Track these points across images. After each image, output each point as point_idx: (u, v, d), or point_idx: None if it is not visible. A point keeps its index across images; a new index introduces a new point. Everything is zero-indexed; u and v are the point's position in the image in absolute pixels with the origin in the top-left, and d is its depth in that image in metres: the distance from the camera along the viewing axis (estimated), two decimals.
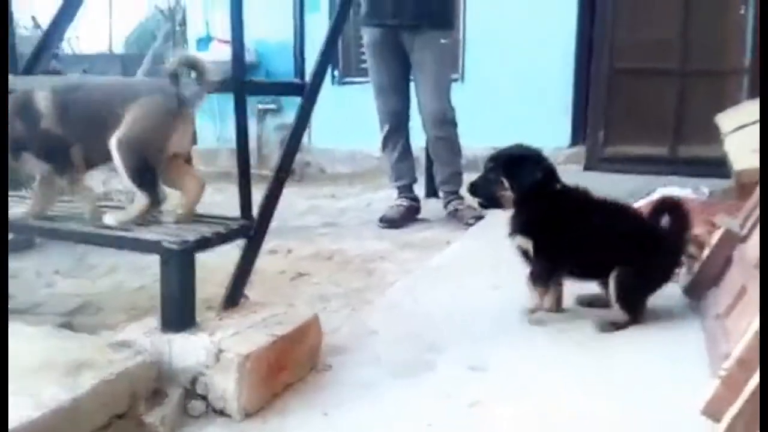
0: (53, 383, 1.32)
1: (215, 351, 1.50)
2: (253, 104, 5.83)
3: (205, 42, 6.22)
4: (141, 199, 1.73)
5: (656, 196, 2.86)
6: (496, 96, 5.20)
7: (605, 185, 3.91)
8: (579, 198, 1.93)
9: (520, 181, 1.87)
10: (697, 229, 2.15)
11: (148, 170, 1.70)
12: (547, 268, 1.92)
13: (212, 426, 1.46)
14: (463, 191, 3.53)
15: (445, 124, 3.40)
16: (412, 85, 3.47)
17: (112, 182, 3.47)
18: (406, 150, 3.58)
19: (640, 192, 3.24)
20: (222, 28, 6.07)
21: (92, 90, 1.84)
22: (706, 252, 2.01)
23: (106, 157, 1.70)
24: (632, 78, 4.22)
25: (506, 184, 1.89)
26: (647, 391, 1.51)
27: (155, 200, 1.74)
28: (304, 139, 6.17)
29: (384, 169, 4.01)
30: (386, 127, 3.54)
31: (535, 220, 1.90)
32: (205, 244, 1.64)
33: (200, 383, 1.51)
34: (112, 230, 1.69)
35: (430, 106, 3.37)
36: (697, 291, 1.99)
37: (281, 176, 1.87)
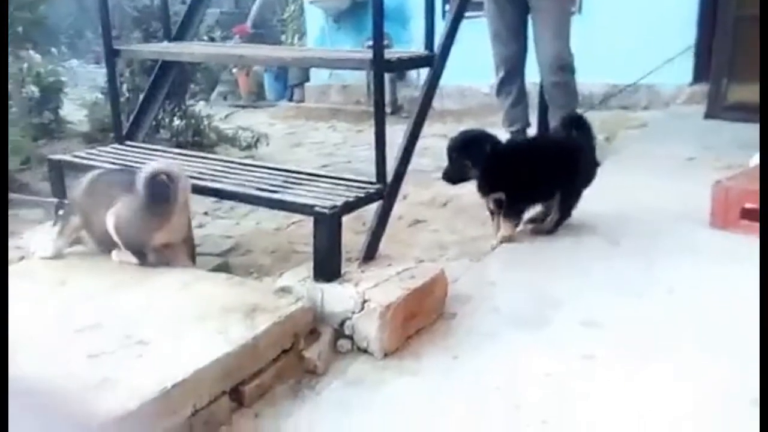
0: (237, 324, 1.62)
1: (360, 300, 1.76)
2: (362, 40, 5.97)
3: None
4: (133, 258, 1.98)
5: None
6: (615, 30, 5.05)
7: (725, 135, 3.84)
8: (521, 149, 2.69)
9: (476, 157, 2.39)
10: None
11: (139, 247, 1.96)
12: (519, 206, 2.49)
13: (358, 362, 1.74)
14: None
15: (563, 70, 3.42)
16: (529, 29, 3.50)
17: None
18: (521, 95, 3.64)
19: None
20: None
21: (102, 177, 2.09)
22: None
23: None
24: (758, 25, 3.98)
25: (468, 163, 2.40)
26: None
27: (144, 263, 1.97)
28: (413, 75, 6.33)
29: (494, 106, 4.07)
30: (501, 73, 3.60)
31: (499, 178, 2.43)
32: (349, 207, 1.89)
33: (347, 326, 1.78)
34: (272, 193, 1.97)
35: (548, 52, 3.38)
36: None
37: (410, 144, 2.06)
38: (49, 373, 1.43)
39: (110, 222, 1.96)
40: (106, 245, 2.02)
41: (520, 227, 2.57)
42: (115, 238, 1.96)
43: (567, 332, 1.82)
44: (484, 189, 2.47)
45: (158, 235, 1.98)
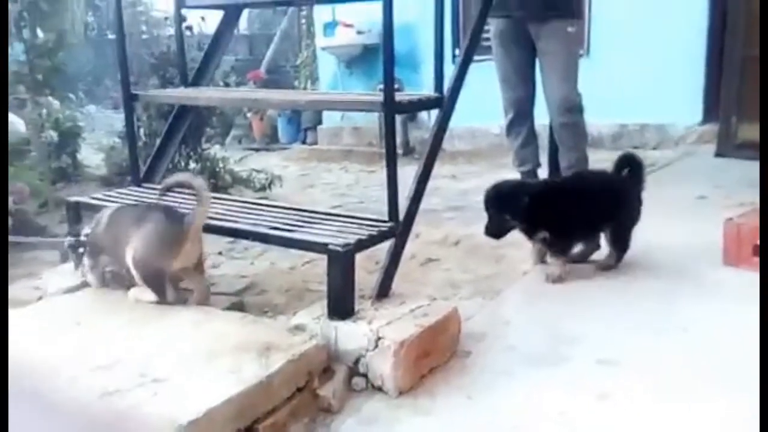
0: (251, 362, 1.63)
1: (374, 338, 1.76)
2: (374, 83, 6.09)
3: (331, 26, 6.51)
4: (153, 296, 2.01)
5: None
6: (622, 71, 5.11)
7: (736, 173, 3.84)
8: (562, 187, 2.72)
9: (515, 211, 2.42)
10: None
11: (157, 279, 2.00)
12: (565, 244, 2.51)
13: (372, 400, 1.73)
14: None
15: (571, 111, 3.45)
16: (536, 71, 3.55)
17: None
18: (530, 136, 3.66)
19: None
20: (347, 13, 6.34)
21: (122, 212, 2.17)
22: None
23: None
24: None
25: (508, 217, 2.43)
26: None
27: (162, 299, 2.00)
28: (424, 117, 6.42)
29: (505, 147, 4.11)
30: (510, 114, 3.64)
31: (542, 220, 2.45)
32: (362, 245, 1.92)
33: (362, 363, 1.78)
34: (286, 232, 2.00)
35: (556, 94, 3.43)
36: None
37: (421, 183, 2.09)
38: (63, 410, 1.44)
39: (129, 253, 1.99)
40: (124, 280, 2.05)
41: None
42: (134, 270, 1.99)
43: (582, 370, 1.81)
44: (530, 231, 2.51)
45: (176, 261, 2.00)
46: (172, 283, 2.02)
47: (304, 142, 7.35)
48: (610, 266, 2.56)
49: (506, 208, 2.43)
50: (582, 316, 2.13)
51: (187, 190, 2.12)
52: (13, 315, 2.01)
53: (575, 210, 2.46)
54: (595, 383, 1.73)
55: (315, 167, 6.03)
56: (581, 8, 3.70)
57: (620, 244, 2.56)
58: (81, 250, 2.16)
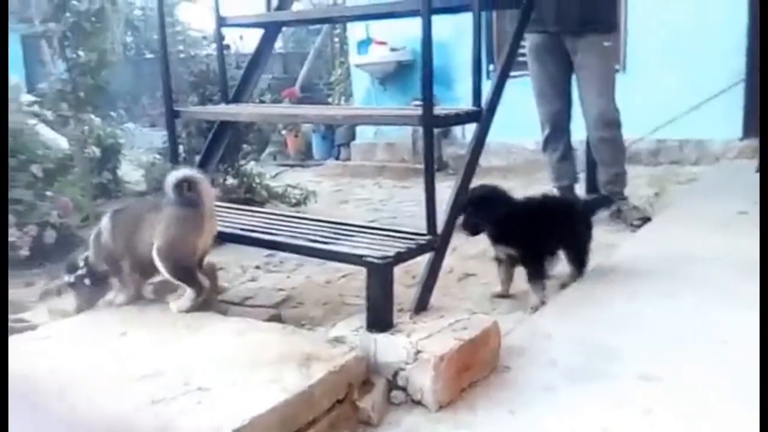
0: (292, 372, 1.64)
1: (414, 351, 1.76)
2: (408, 99, 6.13)
3: (365, 44, 6.60)
4: (189, 292, 2.05)
5: None
6: (659, 86, 5.07)
7: None
8: (531, 207, 2.65)
9: (489, 218, 2.47)
10: None
11: (186, 268, 2.04)
12: (540, 266, 2.53)
13: (412, 414, 1.72)
14: (627, 191, 3.58)
15: (609, 125, 3.44)
16: (573, 85, 3.55)
17: None
18: (568, 151, 3.66)
19: None
20: (381, 31, 6.42)
21: (123, 212, 2.19)
22: None
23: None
24: None
25: (481, 221, 2.47)
26: None
27: (199, 289, 2.05)
28: (458, 133, 6.43)
29: (540, 163, 4.09)
30: (547, 129, 3.64)
31: (513, 235, 2.51)
32: (401, 258, 1.92)
33: (401, 377, 1.78)
34: (325, 244, 2.02)
35: (594, 108, 3.42)
36: None
37: (459, 196, 2.09)
38: (110, 418, 1.47)
39: (154, 247, 2.03)
40: (147, 277, 2.12)
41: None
42: (161, 264, 2.03)
43: (625, 385, 1.77)
44: (497, 239, 2.56)
45: (200, 241, 2.05)
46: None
47: (337, 158, 7.42)
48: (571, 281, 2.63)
49: (482, 212, 2.46)
50: (621, 331, 2.10)
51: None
52: (60, 325, 2.07)
53: (543, 230, 2.53)
54: (638, 398, 1.70)
55: (348, 183, 6.07)
56: (617, 22, 3.68)
57: (581, 262, 2.67)
58: (87, 281, 2.16)
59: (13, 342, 1.91)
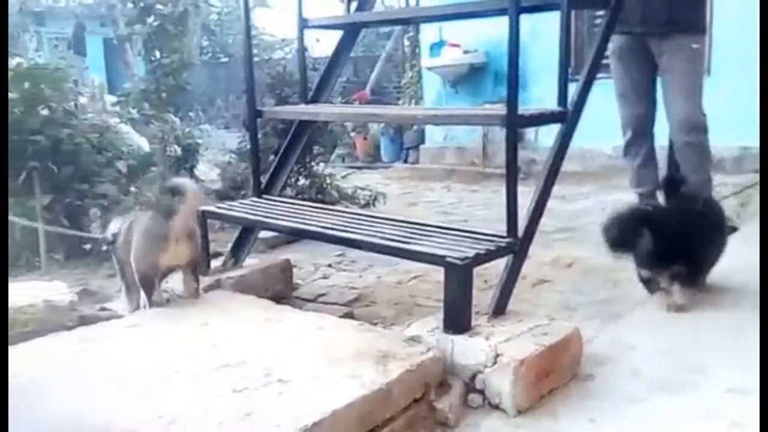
0: (369, 369, 1.63)
1: (493, 354, 1.73)
2: (480, 102, 6.07)
3: (437, 46, 6.58)
4: (141, 296, 2.11)
5: None
6: (746, 90, 4.80)
7: None
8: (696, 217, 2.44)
9: (658, 231, 2.25)
10: None
11: (148, 277, 2.09)
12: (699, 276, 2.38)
13: (491, 418, 1.69)
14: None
15: (695, 130, 3.29)
16: (657, 89, 3.41)
17: None
18: (650, 156, 3.51)
19: None
20: (454, 33, 6.39)
21: (133, 219, 2.23)
22: None
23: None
24: None
25: (644, 233, 2.25)
26: None
27: (149, 301, 2.10)
28: (531, 136, 6.31)
29: (617, 168, 3.95)
30: (629, 133, 3.51)
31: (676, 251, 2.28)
32: (481, 259, 1.89)
33: (478, 380, 1.75)
34: (402, 244, 2.01)
35: (679, 112, 3.27)
36: None
37: (541, 199, 2.04)
38: (193, 404, 1.50)
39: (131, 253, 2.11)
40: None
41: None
42: (134, 269, 2.10)
43: (712, 398, 1.69)
44: (662, 261, 2.31)
45: (161, 260, 2.08)
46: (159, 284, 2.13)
47: (405, 161, 7.43)
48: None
49: (625, 241, 2.29)
50: (709, 343, 2.01)
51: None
52: (145, 314, 2.13)
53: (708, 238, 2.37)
54: (727, 412, 1.61)
55: (417, 186, 6.06)
56: (705, 24, 3.52)
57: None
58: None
59: (100, 330, 1.98)
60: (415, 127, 7.14)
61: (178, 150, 4.99)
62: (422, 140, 7.22)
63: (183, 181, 2.15)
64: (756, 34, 4.78)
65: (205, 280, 2.36)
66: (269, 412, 1.46)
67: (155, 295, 2.12)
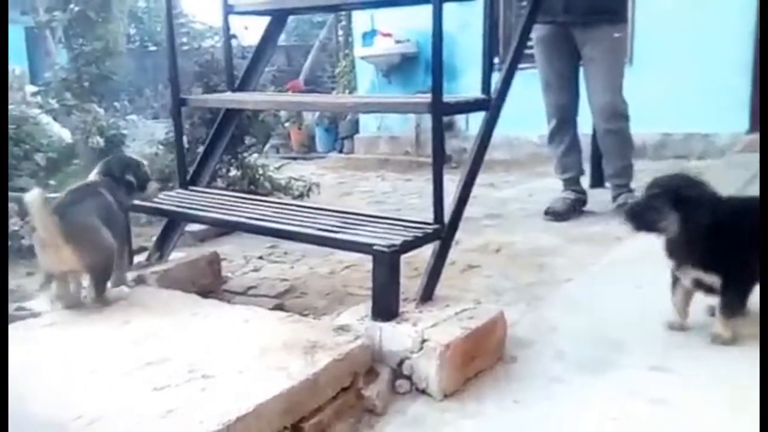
0: (297, 360, 1.62)
1: (420, 340, 1.74)
2: (412, 91, 6.10)
3: (370, 36, 6.57)
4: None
5: None
6: (667, 79, 5.04)
7: None
8: (746, 212, 1.86)
9: (694, 220, 1.81)
10: None
11: (48, 277, 2.06)
12: (744, 295, 1.86)
13: (417, 403, 1.70)
14: (634, 184, 3.55)
15: (616, 117, 3.41)
16: (580, 78, 3.52)
17: None
18: (574, 143, 3.63)
19: None
20: (386, 23, 6.38)
21: None
22: None
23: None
24: None
25: (672, 217, 1.82)
26: None
27: (56, 299, 2.08)
28: (461, 124, 6.40)
29: (543, 156, 4.06)
30: (553, 121, 3.61)
31: (719, 252, 1.82)
32: (408, 246, 1.90)
33: (406, 365, 1.76)
34: (331, 233, 2.00)
35: (601, 100, 3.39)
36: None
37: (467, 186, 2.07)
38: (113, 403, 1.46)
39: None
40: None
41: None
42: None
43: (635, 377, 1.75)
44: (686, 258, 1.89)
45: (42, 259, 2.02)
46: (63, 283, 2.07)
47: (341, 152, 7.41)
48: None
49: (685, 209, 1.80)
50: (629, 323, 2.08)
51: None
52: (63, 313, 2.05)
53: (755, 244, 1.79)
54: (648, 389, 1.68)
55: (352, 176, 6.05)
56: (626, 13, 3.64)
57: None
58: None
59: (16, 329, 1.90)
60: (349, 117, 7.13)
61: (101, 142, 4.79)
62: (357, 130, 7.22)
63: (26, 196, 1.99)
64: (676, 23, 5.00)
65: (127, 276, 2.29)
66: (192, 408, 1.43)
67: (59, 292, 2.05)
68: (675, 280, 1.98)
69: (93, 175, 2.26)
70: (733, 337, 1.87)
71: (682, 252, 1.89)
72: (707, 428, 1.53)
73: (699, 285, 1.91)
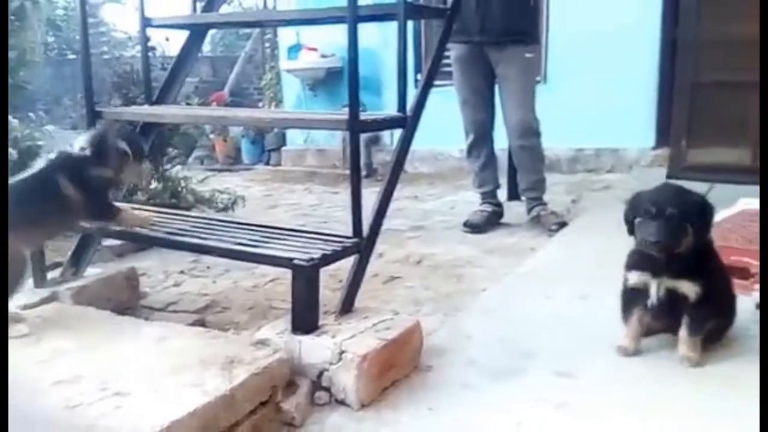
0: (214, 376, 1.63)
1: (338, 351, 1.78)
2: (338, 106, 6.16)
3: (295, 50, 6.58)
4: None
5: (739, 206, 2.95)
6: (579, 97, 5.29)
7: None
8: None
9: (704, 230, 1.84)
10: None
11: None
12: (712, 312, 1.88)
13: (335, 413, 1.74)
14: (546, 197, 3.72)
15: (529, 134, 3.57)
16: (496, 94, 3.67)
17: None
18: (490, 158, 3.78)
19: (723, 201, 3.31)
20: (311, 37, 6.43)
21: None
22: None
23: None
24: (715, 89, 4.23)
25: (689, 230, 1.81)
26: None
27: None
28: (387, 139, 6.51)
29: (465, 170, 4.19)
30: (471, 137, 3.75)
31: (705, 266, 1.87)
32: (327, 260, 1.94)
33: (325, 377, 1.80)
34: (250, 248, 2.01)
35: (515, 118, 3.55)
36: None
37: (385, 200, 2.13)
38: (22, 423, 1.42)
39: None
40: None
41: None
42: None
43: (541, 382, 1.85)
44: (673, 270, 1.86)
45: None
46: None
47: (267, 164, 7.36)
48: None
49: (697, 220, 1.81)
50: (539, 331, 2.19)
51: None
52: None
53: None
54: (553, 394, 1.78)
55: (278, 188, 6.03)
56: (539, 35, 3.83)
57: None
58: None
59: None
60: (275, 130, 7.10)
61: (14, 153, 4.58)
62: (284, 142, 7.20)
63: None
64: (588, 44, 5.27)
65: (40, 293, 2.22)
66: (105, 426, 1.41)
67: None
68: (630, 300, 1.95)
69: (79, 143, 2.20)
70: (700, 358, 1.86)
71: (663, 262, 1.87)
72: (607, 429, 1.63)
73: (669, 299, 1.87)
